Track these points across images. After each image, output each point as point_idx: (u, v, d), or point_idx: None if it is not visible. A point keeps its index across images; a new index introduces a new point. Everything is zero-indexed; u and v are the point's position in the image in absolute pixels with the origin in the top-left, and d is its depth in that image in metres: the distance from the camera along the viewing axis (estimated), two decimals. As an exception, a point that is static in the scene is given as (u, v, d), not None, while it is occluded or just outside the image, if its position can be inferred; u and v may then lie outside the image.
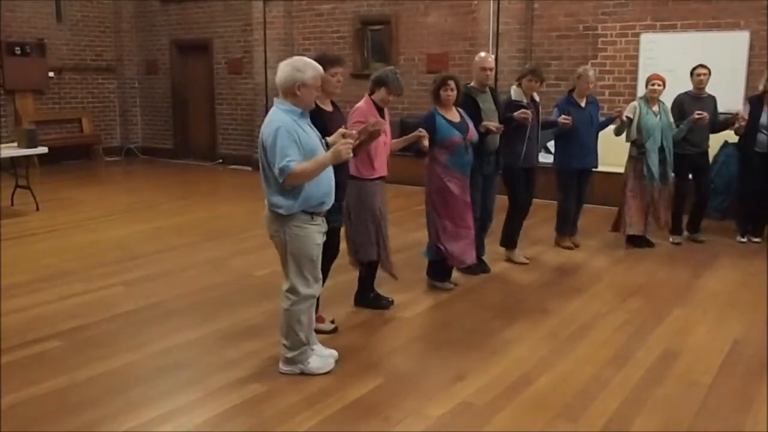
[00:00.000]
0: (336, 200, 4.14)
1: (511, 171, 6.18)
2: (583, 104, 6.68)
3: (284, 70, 3.73)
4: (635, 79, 9.04)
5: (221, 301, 5.27)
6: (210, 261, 6.38)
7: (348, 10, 11.34)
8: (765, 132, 6.83)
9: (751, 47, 8.37)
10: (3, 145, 8.85)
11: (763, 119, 6.84)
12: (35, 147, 8.80)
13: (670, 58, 7.65)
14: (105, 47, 13.70)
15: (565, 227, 6.90)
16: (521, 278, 5.91)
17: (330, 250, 4.42)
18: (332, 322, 4.69)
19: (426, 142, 4.97)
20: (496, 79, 9.62)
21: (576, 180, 6.78)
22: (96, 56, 13.59)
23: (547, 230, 7.21)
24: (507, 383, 3.88)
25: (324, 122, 4.06)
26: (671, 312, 5.07)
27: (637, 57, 9.10)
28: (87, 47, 13.41)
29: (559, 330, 4.71)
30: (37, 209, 8.61)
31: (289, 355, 3.95)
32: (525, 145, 6.07)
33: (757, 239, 7.08)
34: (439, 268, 5.56)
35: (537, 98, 6.32)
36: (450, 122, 5.23)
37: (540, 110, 6.34)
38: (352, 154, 3.79)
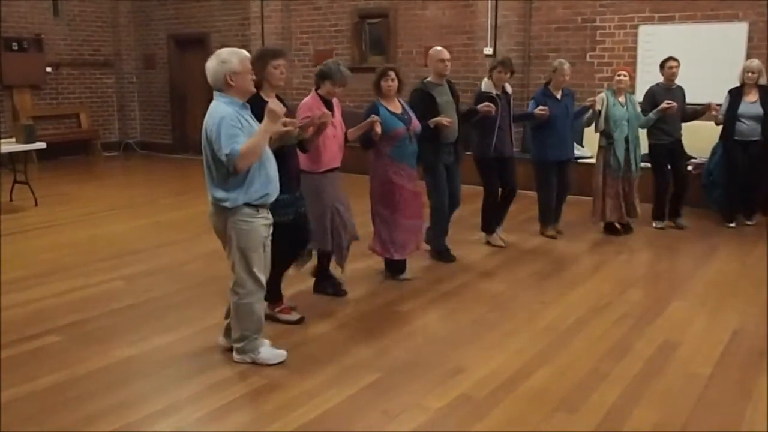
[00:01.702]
0: (290, 191, 4.33)
1: (483, 161, 6.41)
2: (559, 96, 6.82)
3: (210, 68, 3.81)
4: (634, 71, 8.99)
5: (221, 295, 5.22)
6: (209, 255, 6.36)
7: (346, 4, 11.31)
8: (744, 121, 7.10)
9: (750, 38, 8.35)
10: (1, 141, 8.83)
11: (741, 109, 7.10)
12: (33, 142, 8.79)
13: (669, 50, 7.64)
14: (102, 42, 13.66)
15: (548, 217, 7.01)
16: (519, 271, 5.91)
17: (298, 238, 4.57)
18: (299, 317, 4.75)
19: (378, 129, 5.06)
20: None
21: (555, 171, 6.88)
22: (93, 51, 13.55)
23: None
24: (505, 376, 3.89)
25: None
26: (670, 303, 5.07)
27: (635, 49, 9.09)
28: (84, 42, 13.37)
29: (557, 323, 4.72)
30: (36, 204, 8.61)
31: (239, 345, 4.03)
32: (495, 135, 6.25)
33: (750, 222, 7.35)
34: (394, 263, 5.59)
35: (509, 90, 6.49)
36: (393, 113, 5.30)
37: (512, 101, 6.51)
38: (283, 113, 3.81)
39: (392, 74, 5.32)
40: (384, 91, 5.32)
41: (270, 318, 4.61)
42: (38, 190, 8.80)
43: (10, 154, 8.83)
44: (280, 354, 4.07)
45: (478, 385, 3.78)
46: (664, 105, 6.85)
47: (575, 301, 5.16)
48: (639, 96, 7.76)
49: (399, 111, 5.37)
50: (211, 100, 4.02)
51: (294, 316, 4.69)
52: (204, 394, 3.71)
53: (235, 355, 4.05)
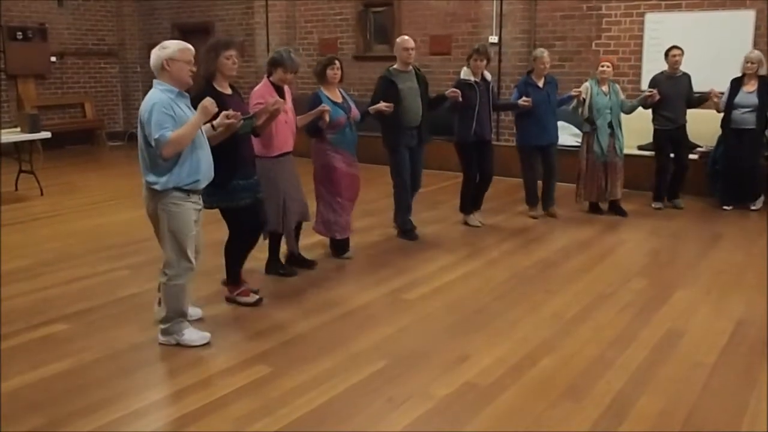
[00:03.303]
0: (246, 177, 4.53)
1: (463, 145, 6.72)
2: (540, 84, 7.08)
3: (152, 54, 3.93)
4: (640, 59, 8.98)
5: (225, 284, 5.28)
6: (213, 243, 6.32)
7: (350, -8, 11.27)
8: (740, 110, 7.29)
9: (757, 26, 8.29)
10: (6, 130, 8.85)
11: (738, 98, 7.30)
12: (38, 132, 8.80)
13: (675, 38, 7.63)
14: (107, 31, 13.65)
15: (532, 198, 7.31)
16: (524, 259, 5.91)
17: (254, 223, 4.72)
18: (256, 293, 4.89)
19: (327, 117, 5.30)
20: (499, 61, 9.60)
21: (538, 156, 7.19)
22: (98, 40, 13.55)
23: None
24: (511, 364, 3.90)
25: (223, 104, 4.20)
26: (675, 292, 5.07)
27: (641, 37, 9.03)
28: (89, 31, 13.36)
29: (562, 311, 4.72)
30: (42, 194, 8.63)
31: (164, 326, 4.11)
32: (475, 120, 6.54)
33: (755, 207, 7.49)
34: (337, 243, 5.84)
35: (488, 77, 6.78)
36: (334, 103, 5.53)
37: (491, 88, 6.78)
38: (215, 111, 3.93)
39: (338, 63, 5.58)
40: (329, 78, 5.55)
41: (230, 301, 4.81)
42: (43, 180, 8.83)
43: (15, 143, 8.85)
44: (204, 336, 4.16)
45: (484, 372, 3.79)
46: (646, 93, 7.19)
47: (580, 289, 5.16)
48: (645, 84, 7.76)
49: (339, 100, 5.61)
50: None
51: (252, 298, 4.81)
52: (209, 380, 3.73)
53: (161, 337, 4.14)
